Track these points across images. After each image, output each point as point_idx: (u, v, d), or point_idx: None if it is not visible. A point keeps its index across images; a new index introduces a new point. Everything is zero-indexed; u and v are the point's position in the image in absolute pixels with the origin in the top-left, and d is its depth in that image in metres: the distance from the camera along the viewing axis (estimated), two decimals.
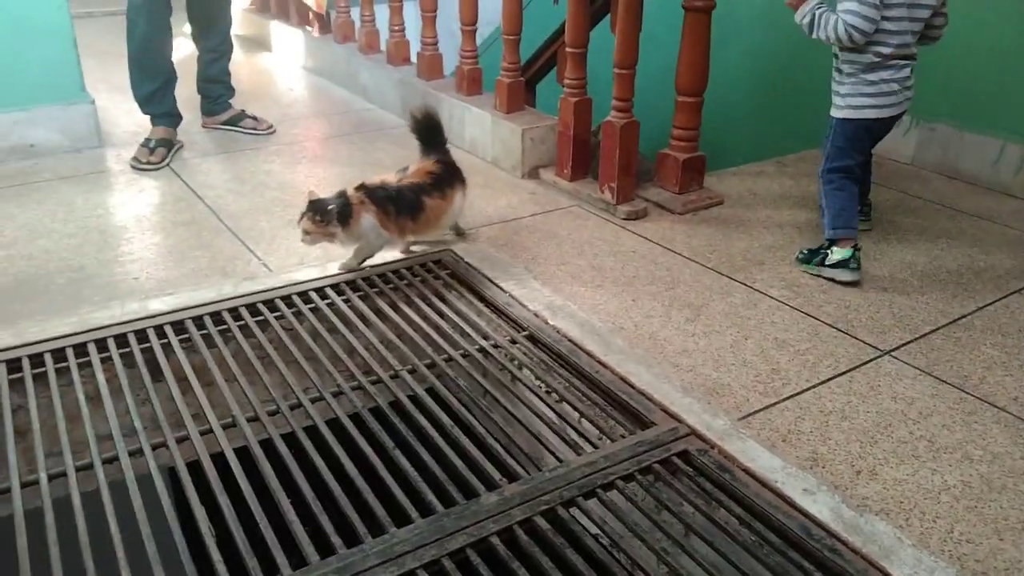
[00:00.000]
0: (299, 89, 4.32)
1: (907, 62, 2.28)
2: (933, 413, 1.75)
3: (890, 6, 2.17)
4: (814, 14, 2.24)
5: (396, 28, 3.79)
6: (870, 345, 1.99)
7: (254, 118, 3.52)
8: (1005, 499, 1.51)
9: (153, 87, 3.12)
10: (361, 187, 2.17)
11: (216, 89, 3.49)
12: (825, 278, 2.30)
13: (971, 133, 3.08)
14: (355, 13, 4.15)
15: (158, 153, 3.07)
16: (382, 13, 3.91)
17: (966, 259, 2.46)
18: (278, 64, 4.80)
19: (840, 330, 2.06)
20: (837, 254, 2.29)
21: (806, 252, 2.39)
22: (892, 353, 1.97)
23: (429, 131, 2.40)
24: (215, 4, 3.40)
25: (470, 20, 3.25)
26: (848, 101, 2.30)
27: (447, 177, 2.31)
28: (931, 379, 1.87)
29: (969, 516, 1.47)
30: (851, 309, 2.15)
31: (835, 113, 2.35)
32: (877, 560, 1.34)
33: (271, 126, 3.52)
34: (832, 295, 2.22)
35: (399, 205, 2.19)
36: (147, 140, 3.11)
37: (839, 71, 2.33)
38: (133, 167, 3.03)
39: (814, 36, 2.27)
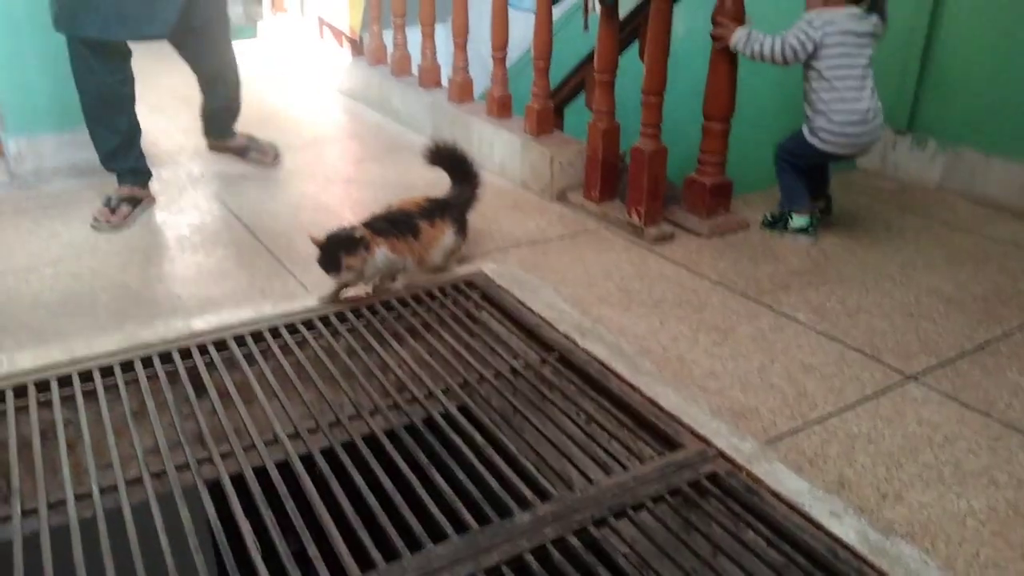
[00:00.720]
0: (333, 110, 4.42)
1: (864, 95, 2.57)
2: (959, 438, 1.77)
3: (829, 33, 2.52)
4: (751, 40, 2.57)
5: (428, 52, 3.87)
6: (896, 370, 2.02)
7: (259, 150, 3.39)
8: None
9: (115, 142, 2.84)
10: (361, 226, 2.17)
11: (224, 119, 3.37)
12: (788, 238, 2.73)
13: (998, 158, 3.09)
14: (387, 37, 4.25)
15: (120, 212, 2.79)
16: (413, 37, 4.00)
17: (992, 285, 2.48)
18: (312, 85, 4.91)
19: (866, 354, 2.08)
20: (797, 221, 2.73)
21: (771, 217, 2.82)
22: (918, 378, 1.99)
23: (452, 163, 2.48)
24: (215, 55, 3.13)
25: (501, 45, 3.33)
26: (817, 134, 2.62)
27: (436, 210, 2.33)
28: (957, 404, 1.89)
29: (995, 541, 1.49)
30: (877, 334, 2.18)
31: (805, 133, 2.66)
32: None
33: (277, 155, 3.40)
34: (858, 320, 2.25)
35: (399, 227, 2.22)
36: (108, 198, 2.82)
37: (809, 103, 2.62)
38: (93, 227, 2.75)
39: (749, 56, 2.59)
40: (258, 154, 3.39)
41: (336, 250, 2.10)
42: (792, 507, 1.52)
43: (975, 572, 1.42)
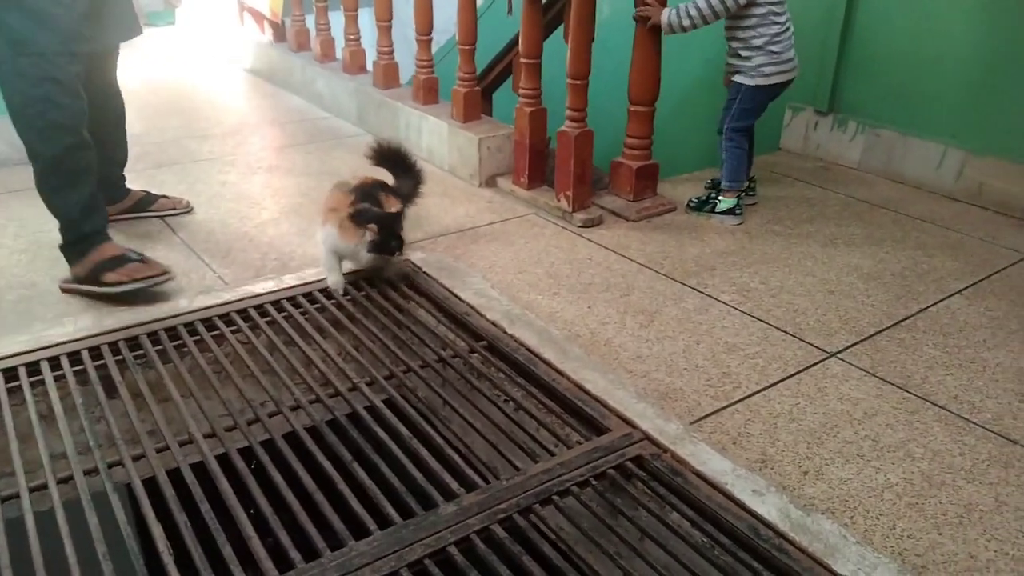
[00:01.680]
0: (255, 97, 4.30)
1: (791, 32, 2.66)
2: (877, 413, 1.81)
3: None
4: (679, 14, 2.57)
5: (352, 36, 3.79)
6: (817, 347, 2.06)
7: (166, 196, 2.77)
8: (944, 495, 1.57)
9: (88, 191, 2.17)
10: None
11: (115, 172, 2.63)
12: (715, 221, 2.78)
13: (914, 138, 3.18)
14: (310, 21, 4.14)
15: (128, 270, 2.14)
16: (337, 21, 3.91)
17: (910, 262, 2.55)
18: (232, 71, 4.77)
19: (789, 333, 2.12)
20: (725, 203, 2.77)
21: (696, 201, 2.85)
22: (838, 355, 2.03)
23: (395, 162, 2.42)
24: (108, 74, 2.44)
25: (425, 30, 3.27)
26: (760, 72, 2.65)
27: (393, 193, 2.28)
28: (876, 380, 1.94)
29: (910, 512, 1.53)
30: (799, 312, 2.22)
31: (746, 81, 2.68)
32: (822, 558, 1.38)
33: (188, 204, 2.79)
34: (781, 299, 2.29)
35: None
36: (100, 265, 2.14)
37: (745, 46, 2.64)
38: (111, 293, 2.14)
39: (687, 25, 2.58)
40: (166, 199, 2.76)
41: (394, 227, 2.09)
42: (715, 487, 1.53)
43: (892, 543, 1.45)
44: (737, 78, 2.71)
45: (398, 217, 2.13)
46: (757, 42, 2.61)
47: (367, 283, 2.26)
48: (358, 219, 2.07)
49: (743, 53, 2.66)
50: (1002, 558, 1.42)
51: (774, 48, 2.61)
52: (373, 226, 2.07)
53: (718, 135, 2.81)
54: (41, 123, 2.04)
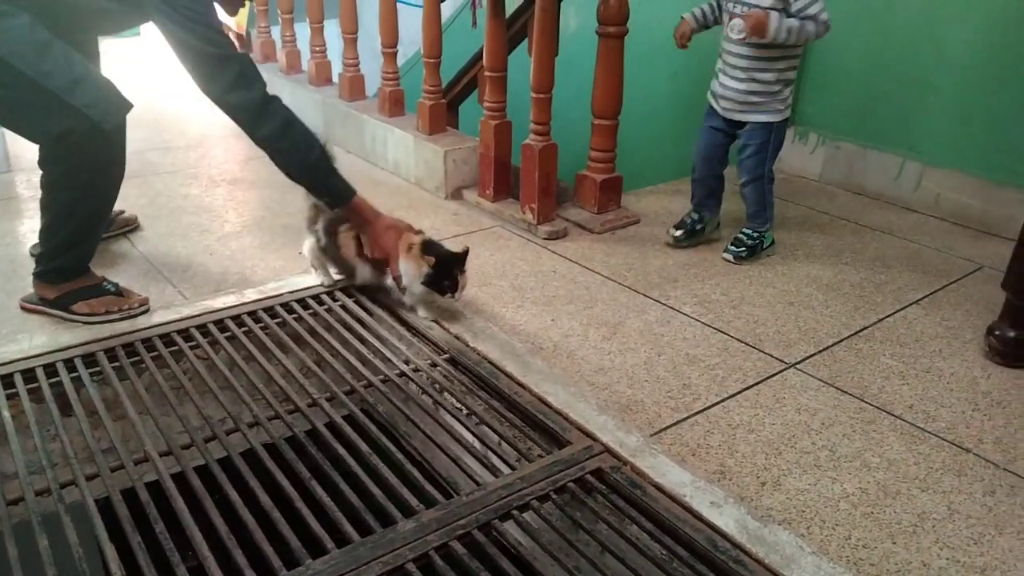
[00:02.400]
0: (218, 110, 4.25)
1: None
2: (835, 423, 1.84)
3: None
4: (789, 28, 2.33)
5: (317, 49, 3.78)
6: (776, 358, 2.08)
7: (122, 213, 2.66)
8: (899, 504, 1.60)
9: (99, 234, 2.21)
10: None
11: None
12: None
13: (874, 151, 3.23)
14: (276, 32, 4.13)
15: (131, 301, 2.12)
16: (303, 33, 3.90)
17: (868, 272, 2.59)
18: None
19: (749, 344, 2.14)
20: (769, 237, 2.67)
21: (745, 250, 2.62)
22: (797, 366, 2.06)
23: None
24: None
25: (390, 42, 3.27)
26: (788, 103, 2.53)
27: None
28: (833, 390, 1.96)
29: (865, 522, 1.55)
30: (759, 324, 2.24)
31: (775, 118, 2.51)
32: (779, 569, 1.39)
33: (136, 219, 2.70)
34: (741, 310, 2.31)
35: None
36: (73, 293, 2.08)
37: (779, 81, 2.46)
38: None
39: (793, 40, 2.37)
40: (121, 218, 2.64)
41: (453, 269, 2.08)
42: (674, 499, 1.54)
43: (847, 553, 1.47)
44: (762, 117, 2.49)
45: (461, 259, 2.12)
46: (791, 75, 2.48)
47: (329, 296, 2.25)
48: (428, 249, 2.10)
49: (774, 88, 2.46)
50: (953, 565, 1.45)
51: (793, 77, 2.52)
52: (431, 258, 2.08)
53: (742, 188, 2.61)
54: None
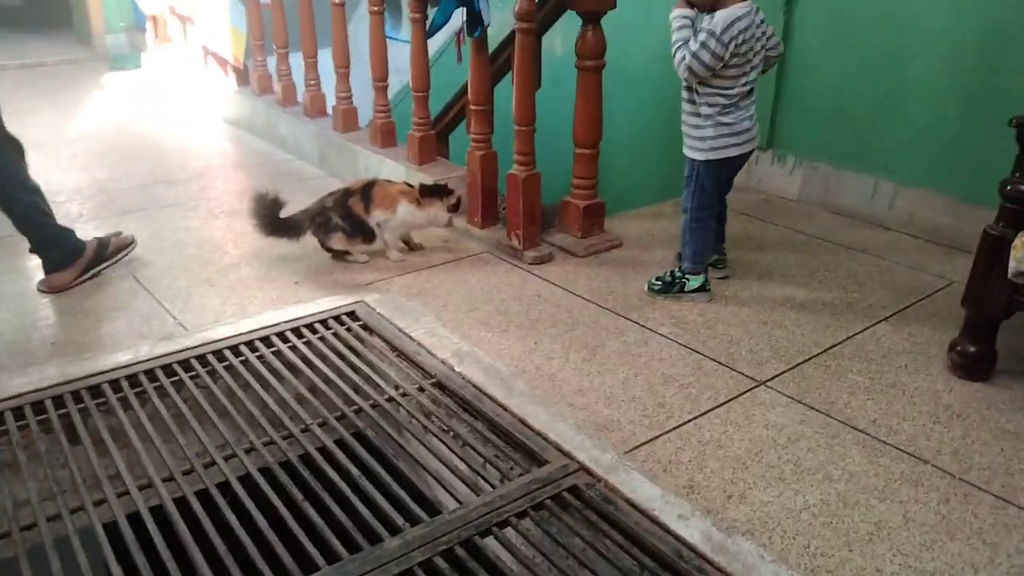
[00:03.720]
0: (219, 141, 4.40)
1: (752, 98, 2.47)
2: (800, 438, 1.94)
3: (735, 55, 2.33)
4: (674, 37, 2.38)
5: (312, 82, 3.92)
6: (748, 376, 2.18)
7: (116, 234, 2.86)
8: (857, 514, 1.70)
9: (55, 230, 2.63)
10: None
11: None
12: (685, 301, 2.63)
13: (849, 171, 3.35)
14: (272, 65, 4.27)
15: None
16: (298, 65, 4.03)
17: (841, 291, 2.69)
18: (198, 115, 4.87)
19: (722, 363, 2.24)
20: (694, 282, 2.59)
21: (660, 284, 2.62)
22: (767, 383, 2.16)
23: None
24: None
25: (381, 76, 3.40)
26: (710, 144, 2.46)
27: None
28: (801, 406, 2.07)
29: (824, 531, 1.65)
30: (733, 343, 2.35)
31: (697, 156, 2.50)
32: None
33: (133, 237, 2.90)
34: (716, 330, 2.42)
35: None
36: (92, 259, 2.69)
37: (696, 115, 2.46)
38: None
39: (672, 40, 2.39)
40: (116, 239, 2.83)
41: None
42: (644, 513, 1.65)
43: (805, 561, 1.57)
44: (688, 152, 2.53)
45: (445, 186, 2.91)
46: (707, 113, 2.43)
47: (322, 325, 2.37)
48: (431, 191, 2.85)
49: (691, 124, 2.49)
50: (906, 571, 1.55)
51: (724, 119, 2.42)
52: (458, 192, 2.91)
53: (683, 213, 2.61)
54: None
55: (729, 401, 2.08)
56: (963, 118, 2.96)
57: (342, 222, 2.77)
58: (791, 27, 3.39)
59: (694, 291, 2.59)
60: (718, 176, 2.54)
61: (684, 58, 2.35)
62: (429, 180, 3.14)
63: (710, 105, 2.43)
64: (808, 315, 2.52)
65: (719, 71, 2.36)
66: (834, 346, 2.36)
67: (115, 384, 2.05)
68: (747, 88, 2.43)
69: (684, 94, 2.50)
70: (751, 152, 2.56)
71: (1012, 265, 2.00)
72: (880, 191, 3.26)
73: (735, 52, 2.33)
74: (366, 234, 2.81)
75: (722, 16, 2.30)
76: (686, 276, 2.60)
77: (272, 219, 2.76)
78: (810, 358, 2.29)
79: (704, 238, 2.59)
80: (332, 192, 2.84)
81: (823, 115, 3.39)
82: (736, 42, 2.32)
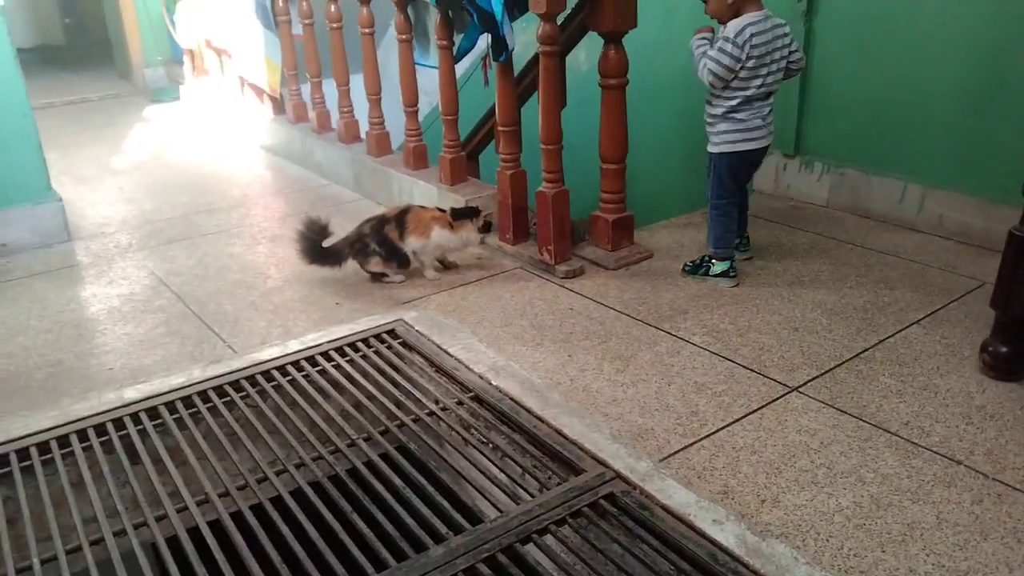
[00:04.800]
0: (257, 169, 4.55)
1: (768, 101, 2.71)
2: (833, 442, 1.97)
3: (751, 57, 2.57)
4: (695, 53, 2.65)
5: (345, 109, 4.04)
6: (780, 383, 2.22)
7: None
8: (890, 515, 1.73)
9: None
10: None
11: None
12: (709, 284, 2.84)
13: (876, 175, 3.37)
14: (306, 93, 4.40)
15: None
16: (332, 92, 4.16)
17: (872, 295, 2.72)
18: (236, 144, 5.03)
19: (754, 371, 2.29)
20: (718, 267, 2.81)
21: (690, 265, 2.89)
22: (799, 389, 2.20)
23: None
24: None
25: (411, 102, 3.51)
26: (723, 138, 2.72)
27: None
28: (833, 411, 2.10)
29: (858, 533, 1.68)
30: (764, 350, 2.39)
31: (713, 150, 2.77)
32: None
33: None
34: (748, 338, 2.46)
35: None
36: None
37: (711, 114, 2.73)
38: None
39: (694, 63, 2.65)
40: None
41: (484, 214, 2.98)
42: (680, 519, 1.70)
43: (839, 562, 1.61)
44: (709, 147, 2.78)
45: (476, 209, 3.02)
46: (718, 111, 2.68)
47: (364, 343, 2.46)
48: (462, 214, 2.94)
49: (708, 120, 2.75)
50: (939, 570, 1.58)
51: (737, 115, 2.65)
52: (489, 214, 3.00)
53: (708, 202, 2.85)
54: None
55: (762, 408, 2.12)
56: (988, 118, 2.98)
57: (379, 248, 2.87)
58: (812, 35, 3.43)
59: (718, 275, 2.81)
60: (734, 168, 2.77)
61: (705, 64, 2.61)
62: (461, 200, 3.24)
63: (724, 104, 2.67)
64: (839, 320, 2.55)
65: (738, 72, 2.59)
66: (866, 350, 2.38)
67: (170, 406, 2.16)
68: (763, 91, 2.66)
69: (707, 95, 2.75)
70: (766, 148, 2.77)
71: None
72: (909, 194, 3.27)
73: (750, 55, 2.57)
74: (400, 259, 2.91)
75: (735, 23, 2.58)
76: (712, 260, 2.82)
77: (316, 247, 2.86)
78: (842, 363, 2.32)
79: (725, 225, 2.81)
80: (369, 219, 2.94)
81: (849, 121, 3.42)
82: (751, 44, 2.56)
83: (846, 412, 2.09)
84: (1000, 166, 2.95)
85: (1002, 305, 2.16)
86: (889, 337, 2.45)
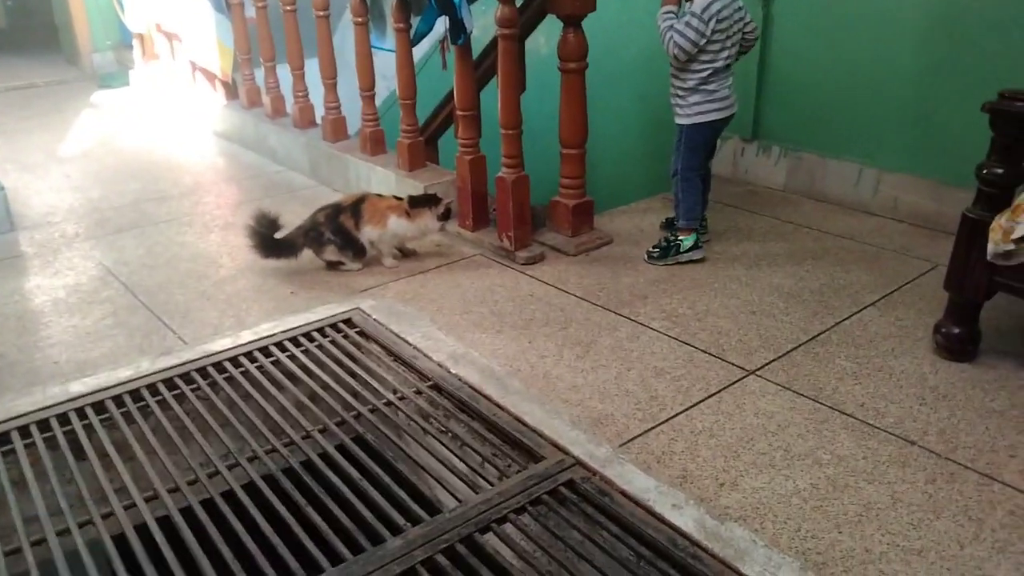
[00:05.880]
0: (210, 155, 4.44)
1: (730, 71, 2.79)
2: (790, 424, 1.98)
3: (716, 31, 2.64)
4: (662, 27, 2.68)
5: (300, 94, 3.96)
6: (738, 366, 2.23)
7: None
8: (846, 496, 1.74)
9: None
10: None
11: None
12: (682, 263, 2.85)
13: (833, 159, 3.39)
14: (260, 78, 4.30)
15: None
16: (286, 77, 4.07)
17: (828, 278, 2.74)
18: (188, 130, 4.91)
19: (712, 355, 2.29)
20: (688, 241, 2.85)
21: (657, 251, 2.87)
22: (757, 372, 2.20)
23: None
24: None
25: (368, 86, 3.44)
26: (696, 109, 2.77)
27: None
28: (790, 393, 2.11)
29: (815, 515, 1.69)
30: (722, 334, 2.39)
31: (685, 122, 2.81)
32: (733, 562, 1.54)
33: None
34: (706, 322, 2.46)
35: None
36: None
37: (682, 87, 2.77)
38: None
39: (661, 35, 2.69)
40: None
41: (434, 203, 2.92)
42: (639, 504, 1.69)
43: (796, 544, 1.61)
44: (677, 119, 2.82)
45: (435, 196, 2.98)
46: (690, 83, 2.72)
47: (319, 333, 2.41)
48: (420, 202, 2.89)
49: (679, 94, 2.78)
50: (894, 550, 1.59)
51: (707, 87, 2.72)
52: (449, 202, 2.94)
53: (672, 178, 2.90)
54: None
55: (720, 391, 2.12)
56: (943, 102, 3.01)
57: (334, 236, 2.82)
58: (770, 19, 3.43)
59: (689, 250, 2.84)
60: (705, 137, 2.84)
61: (672, 38, 2.65)
62: (419, 186, 3.19)
63: (695, 76, 2.72)
64: (796, 303, 2.57)
65: (703, 46, 2.65)
66: (822, 333, 2.40)
67: (118, 399, 2.09)
68: (727, 63, 2.73)
69: (672, 71, 2.78)
70: (731, 117, 2.84)
71: (990, 247, 2.04)
72: (864, 178, 3.30)
73: (716, 29, 2.64)
74: (357, 249, 2.85)
75: (701, 0, 2.63)
76: (679, 238, 2.85)
77: (268, 240, 2.80)
78: (798, 346, 2.33)
79: (694, 195, 2.87)
80: (324, 207, 2.88)
81: (806, 105, 3.44)
82: (716, 19, 2.63)
83: (803, 395, 2.10)
84: (954, 149, 2.99)
85: (955, 286, 2.19)
86: (845, 320, 2.47)
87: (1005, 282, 2.08)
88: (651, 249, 2.89)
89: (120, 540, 1.65)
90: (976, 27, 2.86)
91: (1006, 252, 2.01)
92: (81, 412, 2.04)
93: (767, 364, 2.24)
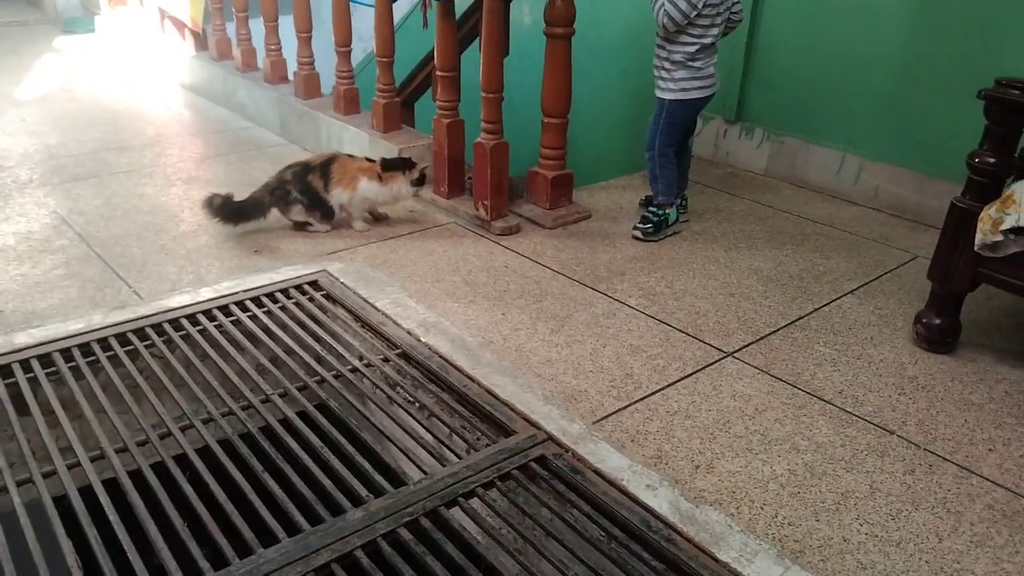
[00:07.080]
0: (176, 107, 4.26)
1: (715, 50, 2.74)
2: (767, 408, 1.94)
3: (708, 5, 2.59)
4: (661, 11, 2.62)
5: (273, 47, 3.80)
6: (715, 348, 2.17)
7: None
8: (824, 484, 1.70)
9: None
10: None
11: None
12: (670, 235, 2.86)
13: (815, 145, 3.35)
14: (231, 29, 4.14)
15: None
16: (259, 30, 3.91)
17: (807, 263, 2.70)
18: (154, 80, 4.72)
19: (689, 335, 2.23)
20: (673, 214, 2.85)
21: (651, 227, 2.81)
22: (735, 354, 2.15)
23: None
24: None
25: (344, 41, 3.31)
26: (680, 85, 2.72)
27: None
28: (768, 377, 2.06)
29: (792, 501, 1.64)
30: (700, 315, 2.34)
31: (667, 96, 2.75)
32: (708, 546, 1.49)
33: None
34: (684, 302, 2.40)
35: None
36: None
37: (668, 60, 2.71)
38: None
39: (651, 7, 2.65)
40: None
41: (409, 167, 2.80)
42: (612, 483, 1.63)
43: (773, 531, 1.57)
44: (659, 93, 2.77)
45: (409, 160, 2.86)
46: (677, 57, 2.67)
47: (283, 294, 2.30)
48: (393, 165, 2.78)
49: (665, 67, 2.72)
50: (872, 540, 1.55)
51: (694, 64, 2.67)
52: (425, 167, 2.84)
53: (647, 152, 2.85)
54: None
55: (697, 372, 2.06)
56: (926, 93, 2.97)
57: (300, 196, 2.70)
58: (761, 4, 3.36)
59: (674, 222, 2.85)
60: (685, 114, 2.79)
61: (663, 5, 2.59)
62: (394, 149, 3.08)
63: (682, 50, 2.67)
64: (775, 287, 2.52)
65: (693, 20, 2.60)
66: (801, 318, 2.36)
67: (66, 353, 1.97)
68: (713, 41, 2.69)
69: (658, 41, 2.73)
70: (712, 96, 2.79)
71: (978, 237, 2.00)
72: (846, 165, 3.27)
73: (708, 3, 2.59)
74: (325, 210, 2.74)
75: None
76: (665, 212, 2.82)
77: (230, 206, 2.66)
78: (777, 330, 2.29)
79: (672, 171, 2.83)
80: (291, 165, 2.76)
81: (791, 90, 3.38)
82: None
83: (781, 379, 2.06)
84: (936, 141, 2.96)
85: (939, 276, 2.15)
86: (824, 306, 2.43)
87: (990, 273, 2.04)
88: (641, 225, 2.82)
89: (62, 501, 1.55)
90: (964, 16, 2.81)
91: (994, 243, 1.97)
92: (26, 364, 1.92)
93: (745, 347, 2.19)
